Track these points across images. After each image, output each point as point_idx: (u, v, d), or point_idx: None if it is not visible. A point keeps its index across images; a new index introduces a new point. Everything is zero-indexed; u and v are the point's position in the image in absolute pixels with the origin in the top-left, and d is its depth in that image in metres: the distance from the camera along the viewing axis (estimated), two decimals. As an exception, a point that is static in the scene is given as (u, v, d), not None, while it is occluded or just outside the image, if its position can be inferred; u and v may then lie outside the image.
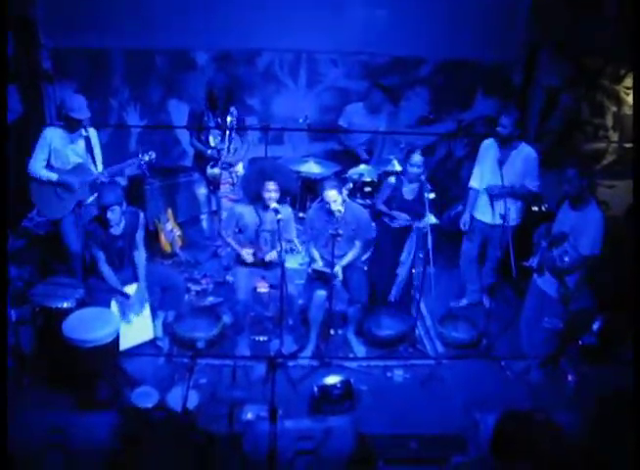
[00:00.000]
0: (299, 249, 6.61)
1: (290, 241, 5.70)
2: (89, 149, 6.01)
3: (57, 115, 6.58)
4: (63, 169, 5.90)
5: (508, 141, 5.91)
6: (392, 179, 6.08)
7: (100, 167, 6.08)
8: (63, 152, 5.90)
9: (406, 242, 6.04)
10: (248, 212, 5.71)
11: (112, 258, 5.49)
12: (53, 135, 5.87)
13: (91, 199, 6.13)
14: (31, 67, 7.24)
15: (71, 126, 5.84)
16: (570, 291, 5.15)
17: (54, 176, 5.85)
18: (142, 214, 5.64)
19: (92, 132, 6.07)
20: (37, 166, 5.85)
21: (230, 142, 6.74)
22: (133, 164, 6.20)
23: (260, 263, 5.77)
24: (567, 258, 4.92)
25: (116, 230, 5.45)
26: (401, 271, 6.13)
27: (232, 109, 6.66)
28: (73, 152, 5.95)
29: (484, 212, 6.18)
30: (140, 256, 5.65)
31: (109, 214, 5.27)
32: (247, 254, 5.71)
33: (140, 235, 5.63)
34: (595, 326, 5.21)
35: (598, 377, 5.15)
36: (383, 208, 6.08)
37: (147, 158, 6.20)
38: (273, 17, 7.48)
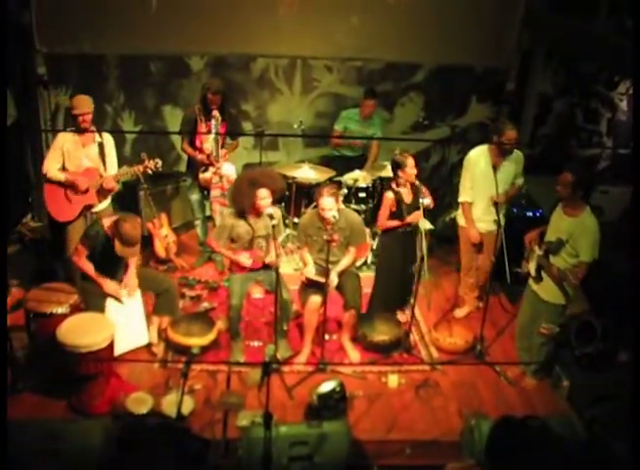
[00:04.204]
0: (290, 246, 6.62)
1: (283, 246, 5.69)
2: (102, 154, 6.06)
3: (67, 121, 6.56)
4: (75, 172, 5.97)
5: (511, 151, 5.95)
6: (390, 195, 6.00)
7: (111, 173, 6.12)
8: (75, 155, 5.96)
9: (415, 242, 5.97)
10: (240, 223, 5.72)
11: (108, 263, 5.47)
12: (65, 139, 5.95)
13: (102, 206, 6.17)
14: (26, 72, 7.23)
15: (79, 126, 5.87)
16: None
17: (61, 177, 5.91)
18: (139, 220, 5.62)
19: (107, 138, 6.13)
20: (52, 169, 5.93)
21: (219, 146, 6.70)
22: (139, 171, 6.22)
23: (255, 268, 5.77)
24: (580, 275, 4.94)
25: None
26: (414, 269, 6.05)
27: (215, 112, 6.61)
28: (86, 156, 6.01)
29: (479, 221, 6.19)
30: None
31: None
32: (244, 258, 5.71)
33: None
34: (590, 332, 5.21)
35: (593, 382, 5.17)
36: (389, 223, 5.98)
37: (152, 164, 6.21)
38: (268, 23, 7.51)
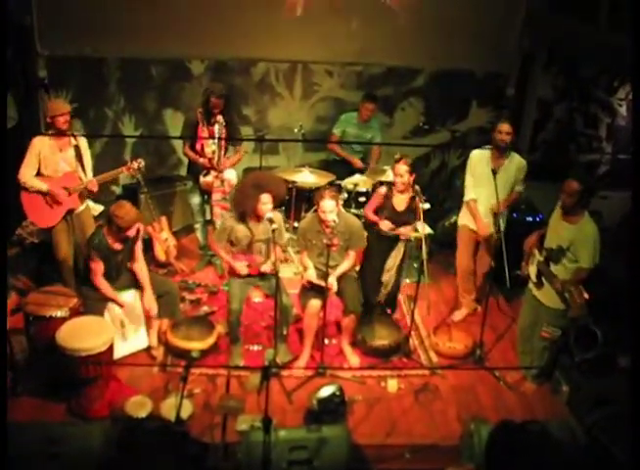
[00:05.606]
0: (292, 257, 6.64)
1: (284, 251, 5.69)
2: (79, 157, 6.03)
3: (44, 125, 6.57)
4: (53, 177, 5.91)
5: (507, 149, 5.97)
6: (383, 189, 6.06)
7: (90, 176, 6.10)
8: (52, 160, 5.89)
9: (393, 249, 6.05)
10: (239, 227, 5.72)
11: (110, 269, 5.48)
12: (42, 144, 5.86)
13: (82, 208, 6.16)
14: (27, 75, 7.23)
15: (57, 130, 5.82)
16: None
17: (44, 186, 5.85)
18: (141, 226, 5.63)
19: (82, 141, 6.10)
20: (27, 175, 5.84)
21: (222, 151, 6.71)
22: (122, 173, 6.22)
23: (253, 275, 5.77)
24: (586, 295, 4.91)
25: (120, 245, 5.45)
26: (386, 278, 6.12)
27: (219, 117, 6.65)
28: (63, 160, 5.97)
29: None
30: (141, 267, 5.65)
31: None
32: (241, 267, 5.72)
33: (139, 247, 5.64)
34: (589, 337, 5.21)
35: (592, 387, 5.16)
36: (371, 215, 6.08)
37: (136, 165, 6.20)
38: (269, 27, 7.52)
